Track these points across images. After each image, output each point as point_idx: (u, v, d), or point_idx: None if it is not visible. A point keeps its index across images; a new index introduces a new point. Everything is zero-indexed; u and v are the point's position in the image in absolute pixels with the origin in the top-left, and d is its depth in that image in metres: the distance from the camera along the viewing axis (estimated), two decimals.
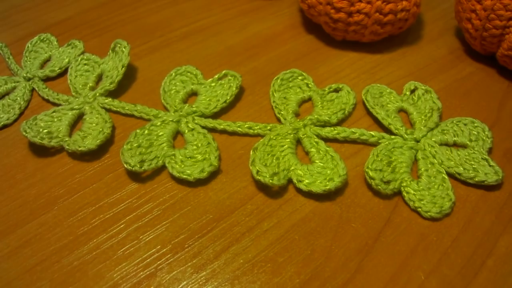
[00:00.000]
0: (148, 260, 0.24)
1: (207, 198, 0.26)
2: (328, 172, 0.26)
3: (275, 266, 0.23)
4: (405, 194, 0.26)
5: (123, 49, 0.34)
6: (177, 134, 0.30)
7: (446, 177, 0.26)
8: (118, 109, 0.32)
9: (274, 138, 0.28)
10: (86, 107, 0.31)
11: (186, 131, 0.29)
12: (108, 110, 0.32)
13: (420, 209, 0.25)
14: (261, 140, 0.28)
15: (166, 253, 0.24)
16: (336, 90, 0.32)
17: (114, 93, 0.33)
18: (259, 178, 0.25)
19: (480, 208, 0.26)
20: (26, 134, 0.28)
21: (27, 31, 0.40)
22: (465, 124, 0.29)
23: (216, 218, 0.25)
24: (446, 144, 0.28)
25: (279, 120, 0.31)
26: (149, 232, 0.25)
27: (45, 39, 0.38)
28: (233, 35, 0.39)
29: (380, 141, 0.28)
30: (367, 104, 0.31)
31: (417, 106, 0.31)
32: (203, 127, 0.30)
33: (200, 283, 0.23)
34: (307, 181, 0.26)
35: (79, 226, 0.25)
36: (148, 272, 0.23)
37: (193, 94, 0.33)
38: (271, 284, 0.23)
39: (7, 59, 0.37)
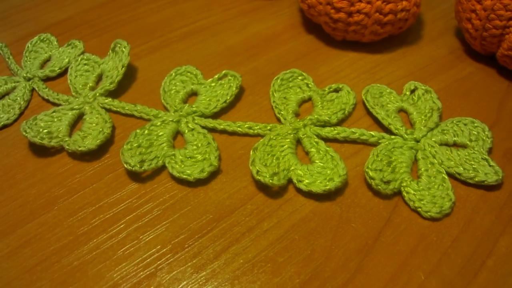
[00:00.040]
0: (148, 260, 0.24)
1: (207, 198, 0.26)
2: (328, 172, 0.26)
3: (275, 266, 0.23)
4: (405, 194, 0.26)
5: (123, 49, 0.34)
6: (177, 134, 0.30)
7: (446, 177, 0.26)
8: (118, 109, 0.32)
9: (274, 138, 0.28)
10: (86, 107, 0.31)
11: (186, 131, 0.29)
12: (108, 110, 0.32)
13: (420, 209, 0.25)
14: (261, 140, 0.28)
15: (166, 253, 0.24)
16: (336, 90, 0.32)
17: (114, 93, 0.33)
18: (259, 178, 0.25)
19: (480, 208, 0.26)
20: (26, 134, 0.28)
21: (27, 31, 0.40)
22: (465, 124, 0.29)
23: (216, 218, 0.25)
24: (446, 144, 0.28)
25: (279, 120, 0.31)
26: (149, 232, 0.25)
27: (45, 39, 0.38)
28: (233, 35, 0.39)
29: (380, 141, 0.28)
30: (367, 104, 0.31)
31: (417, 106, 0.31)
32: (203, 127, 0.30)
33: (200, 283, 0.23)
34: (307, 181, 0.26)
35: (79, 226, 0.25)
36: (148, 272, 0.23)
37: (193, 94, 0.33)
38: (271, 284, 0.23)
39: (7, 59, 0.37)
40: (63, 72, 0.35)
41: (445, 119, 0.30)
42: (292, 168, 0.27)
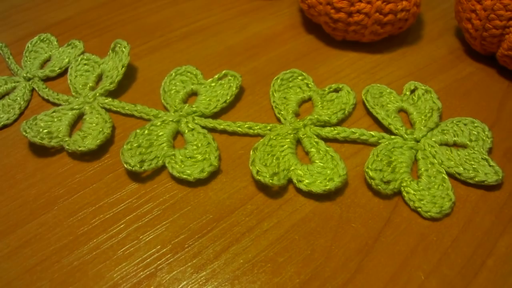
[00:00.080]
0: (148, 260, 0.24)
1: (207, 198, 0.26)
2: (328, 172, 0.26)
3: (275, 266, 0.23)
4: (405, 194, 0.26)
5: (123, 49, 0.34)
6: (177, 134, 0.30)
7: (446, 177, 0.26)
8: (118, 109, 0.32)
9: (274, 138, 0.28)
10: (86, 107, 0.31)
11: (186, 131, 0.29)
12: (108, 110, 0.32)
13: (420, 209, 0.25)
14: (261, 140, 0.28)
15: (166, 253, 0.24)
16: (336, 90, 0.32)
17: (114, 93, 0.33)
18: (259, 178, 0.25)
19: (480, 208, 0.25)
20: (26, 134, 0.28)
21: (27, 31, 0.40)
22: (465, 124, 0.29)
23: (216, 218, 0.25)
24: (446, 144, 0.28)
25: (279, 120, 0.31)
26: (149, 232, 0.25)
27: (45, 39, 0.38)
28: (233, 35, 0.39)
29: (380, 141, 0.28)
30: (367, 104, 0.31)
31: (417, 106, 0.31)
32: (203, 127, 0.30)
33: (200, 283, 0.23)
34: (307, 181, 0.26)
35: (79, 226, 0.25)
36: (148, 272, 0.23)
37: (193, 94, 0.33)
38: (271, 284, 0.23)
39: (7, 59, 0.37)
40: (63, 72, 0.35)
41: (445, 119, 0.30)
42: (292, 168, 0.27)
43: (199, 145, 0.28)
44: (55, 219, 0.26)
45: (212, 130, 0.30)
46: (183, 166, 0.27)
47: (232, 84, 0.32)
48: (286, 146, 0.28)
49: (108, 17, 0.41)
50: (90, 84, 0.33)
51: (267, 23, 0.40)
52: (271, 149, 0.27)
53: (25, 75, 0.35)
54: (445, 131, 0.29)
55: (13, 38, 0.39)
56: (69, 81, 0.34)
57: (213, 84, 0.33)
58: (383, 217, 0.25)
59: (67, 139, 0.29)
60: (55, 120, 0.30)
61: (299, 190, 0.26)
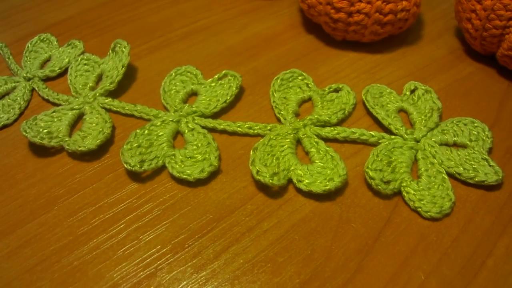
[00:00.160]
0: (148, 260, 0.24)
1: (207, 198, 0.26)
2: (328, 172, 0.26)
3: (275, 266, 0.23)
4: (405, 194, 0.26)
5: (123, 49, 0.34)
6: (177, 134, 0.30)
7: (446, 177, 0.26)
8: (118, 109, 0.32)
9: (274, 138, 0.28)
10: (86, 107, 0.31)
11: (186, 131, 0.29)
12: (108, 110, 0.32)
13: (420, 209, 0.25)
14: (261, 140, 0.28)
15: (166, 253, 0.24)
16: (336, 90, 0.32)
17: (114, 93, 0.33)
18: (259, 178, 0.25)
19: (480, 208, 0.25)
20: (26, 134, 0.28)
21: (27, 31, 0.40)
22: (465, 124, 0.29)
23: (216, 218, 0.25)
24: (446, 144, 0.28)
25: (279, 120, 0.31)
26: (149, 232, 0.25)
27: (45, 39, 0.38)
28: (233, 35, 0.39)
29: (380, 141, 0.28)
30: (367, 104, 0.31)
31: (417, 106, 0.31)
32: (203, 127, 0.30)
33: (200, 283, 0.23)
34: (307, 181, 0.26)
35: (79, 226, 0.25)
36: (148, 272, 0.23)
37: (193, 94, 0.33)
38: (271, 284, 0.23)
39: (7, 59, 0.37)
40: (63, 72, 0.35)
41: (445, 119, 0.30)
42: (292, 168, 0.27)
43: (199, 145, 0.28)
44: (55, 219, 0.26)
45: (212, 130, 0.30)
46: (183, 166, 0.27)
47: (232, 84, 0.32)
48: (286, 146, 0.28)
49: (108, 17, 0.41)
50: (90, 84, 0.33)
51: (267, 23, 0.40)
52: (271, 149, 0.27)
53: (25, 75, 0.35)
54: (445, 131, 0.29)
55: (13, 38, 0.39)
56: (69, 81, 0.34)
57: (213, 84, 0.33)
58: (383, 217, 0.25)
59: (67, 139, 0.29)
60: (55, 120, 0.30)
61: (299, 190, 0.26)
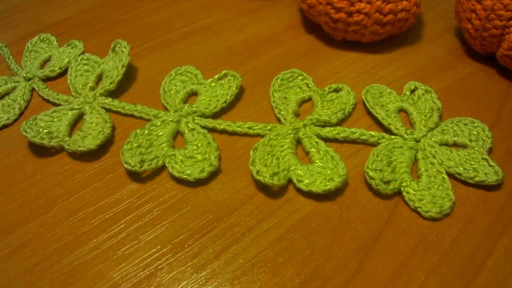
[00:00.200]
0: (148, 260, 0.24)
1: (207, 198, 0.26)
2: (328, 172, 0.26)
3: (275, 266, 0.23)
4: (405, 194, 0.26)
5: (123, 49, 0.34)
6: (177, 134, 0.30)
7: (446, 177, 0.26)
8: (118, 109, 0.32)
9: (274, 138, 0.28)
10: (86, 107, 0.31)
11: (186, 131, 0.29)
12: (108, 110, 0.32)
13: (420, 209, 0.25)
14: (261, 140, 0.28)
15: (166, 253, 0.24)
16: (336, 90, 0.32)
17: (114, 93, 0.33)
18: (259, 178, 0.25)
19: (480, 208, 0.25)
20: (26, 134, 0.28)
21: (27, 31, 0.40)
22: (465, 124, 0.29)
23: (216, 218, 0.25)
24: (446, 144, 0.28)
25: (279, 120, 0.31)
26: (149, 232, 0.25)
27: (45, 39, 0.38)
28: (233, 35, 0.39)
29: (380, 141, 0.28)
30: (367, 104, 0.31)
31: (417, 106, 0.31)
32: (203, 127, 0.30)
33: (200, 283, 0.23)
34: (307, 181, 0.26)
35: (79, 226, 0.25)
36: (148, 272, 0.23)
37: (193, 94, 0.33)
38: (271, 284, 0.23)
39: (7, 59, 0.37)
40: (63, 72, 0.35)
41: (445, 119, 0.30)
42: (292, 168, 0.27)
43: (199, 145, 0.28)
44: (55, 219, 0.26)
45: (212, 130, 0.30)
46: (183, 166, 0.27)
47: (232, 84, 0.32)
48: (286, 146, 0.28)
49: (108, 17, 0.41)
50: (90, 84, 0.33)
51: (267, 23, 0.40)
52: (271, 149, 0.27)
53: (25, 75, 0.35)
54: (445, 131, 0.29)
55: (13, 38, 0.39)
56: (69, 81, 0.34)
57: (213, 84, 0.33)
58: (383, 217, 0.25)
59: (67, 139, 0.29)
60: (55, 120, 0.30)
61: (299, 190, 0.26)
